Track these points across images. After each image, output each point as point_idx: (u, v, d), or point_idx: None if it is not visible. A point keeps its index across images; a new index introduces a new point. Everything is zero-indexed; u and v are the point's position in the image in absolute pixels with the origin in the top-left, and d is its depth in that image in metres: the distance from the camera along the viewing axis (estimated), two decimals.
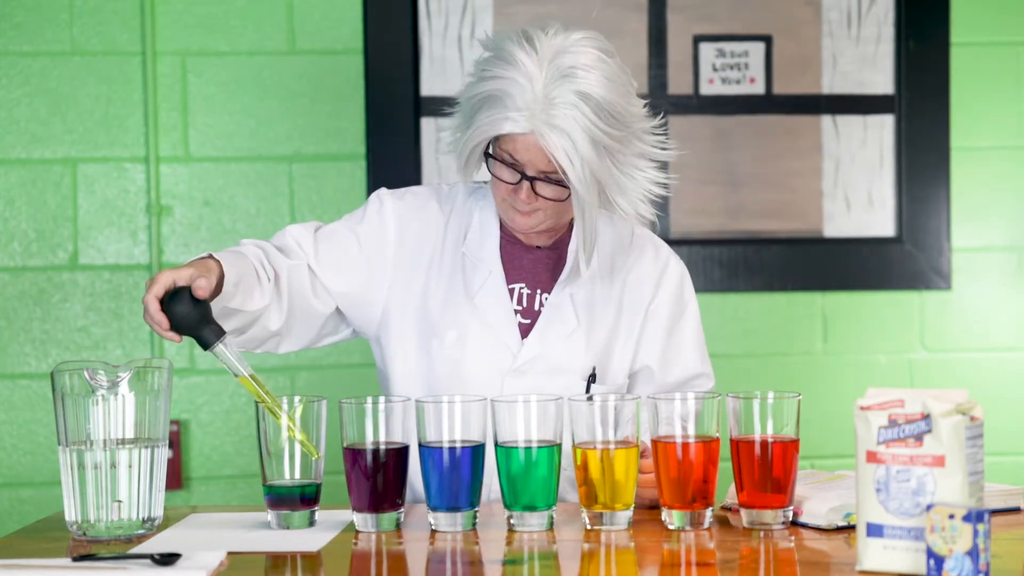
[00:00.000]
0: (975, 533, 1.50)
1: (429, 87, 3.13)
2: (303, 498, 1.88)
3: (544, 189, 2.07)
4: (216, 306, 1.98)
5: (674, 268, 2.27)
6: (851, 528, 1.82)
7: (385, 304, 2.20)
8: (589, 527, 1.86)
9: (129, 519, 1.84)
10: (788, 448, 1.84)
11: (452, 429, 1.85)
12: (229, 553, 1.73)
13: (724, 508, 1.98)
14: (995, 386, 3.22)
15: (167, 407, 1.89)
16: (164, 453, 1.88)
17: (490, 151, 2.08)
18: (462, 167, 2.13)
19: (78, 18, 3.08)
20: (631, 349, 2.22)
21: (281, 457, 1.88)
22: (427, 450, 1.86)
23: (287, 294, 2.12)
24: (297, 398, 1.88)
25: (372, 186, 3.09)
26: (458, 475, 1.85)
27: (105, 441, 1.83)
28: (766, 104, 3.19)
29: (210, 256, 1.99)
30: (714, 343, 3.18)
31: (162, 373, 1.87)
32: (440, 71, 3.12)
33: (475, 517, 1.87)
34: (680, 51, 3.18)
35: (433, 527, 1.87)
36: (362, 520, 1.87)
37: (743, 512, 1.86)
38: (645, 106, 2.11)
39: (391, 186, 2.33)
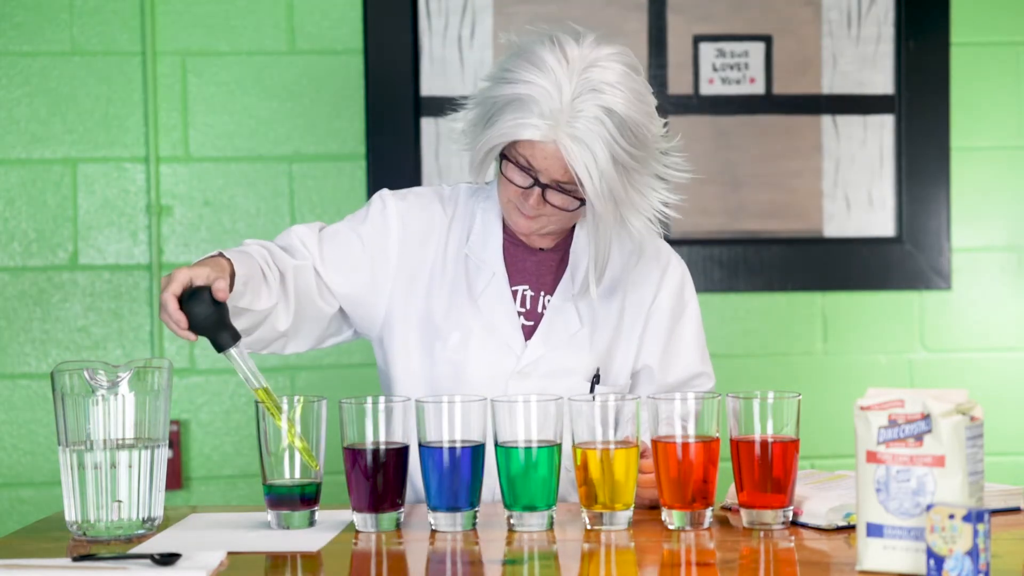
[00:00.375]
0: (975, 533, 1.50)
1: (429, 87, 3.13)
2: (303, 498, 1.88)
3: (554, 198, 2.07)
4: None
5: (675, 268, 2.27)
6: (851, 528, 1.82)
7: (388, 305, 2.19)
8: (589, 527, 1.86)
9: (129, 519, 1.84)
10: (788, 448, 1.84)
11: (452, 429, 1.85)
12: (229, 553, 1.73)
13: (724, 508, 1.98)
14: (995, 386, 3.22)
15: (167, 407, 1.89)
16: (164, 453, 1.88)
17: (505, 153, 2.08)
18: (475, 165, 2.12)
19: (78, 18, 3.08)
20: (633, 349, 2.22)
21: (281, 457, 1.88)
22: (427, 450, 1.86)
23: (294, 294, 2.12)
24: (297, 398, 1.88)
25: (372, 186, 3.09)
26: (458, 475, 1.85)
27: (105, 441, 1.83)
28: (766, 104, 3.19)
29: (220, 254, 1.99)
30: (714, 343, 3.18)
31: (162, 373, 1.87)
32: (440, 71, 3.12)
33: (475, 517, 1.87)
34: (680, 51, 3.18)
35: (433, 527, 1.87)
36: (362, 520, 1.87)
37: (743, 512, 1.86)
38: (665, 125, 2.11)
39: (391, 186, 2.33)
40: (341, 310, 2.20)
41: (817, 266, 3.20)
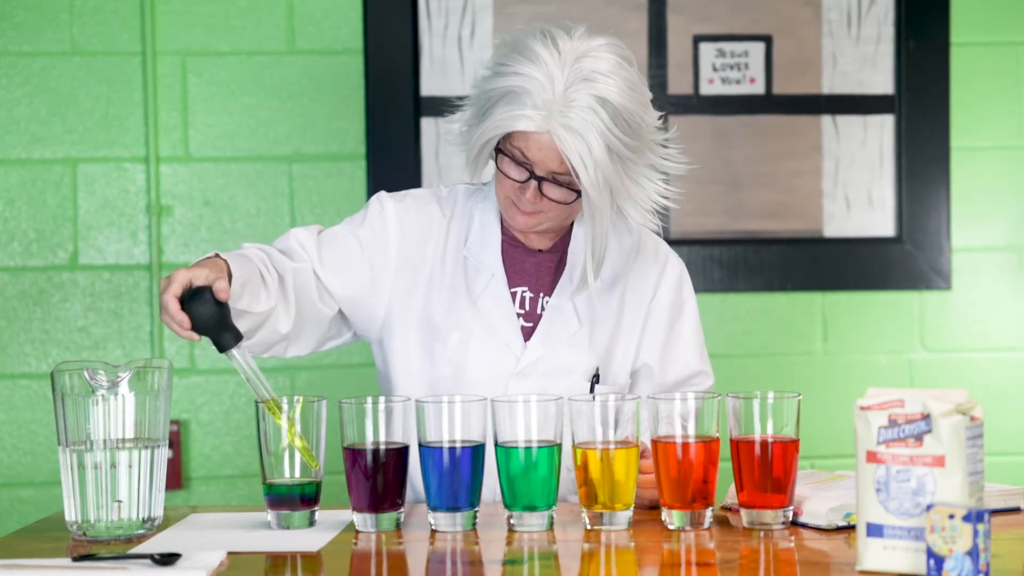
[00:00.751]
0: (975, 533, 1.50)
1: (429, 87, 3.13)
2: (303, 498, 1.88)
3: (551, 191, 2.07)
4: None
5: (673, 266, 2.27)
6: (851, 528, 1.82)
7: (387, 307, 2.19)
8: (589, 527, 1.86)
9: (129, 519, 1.84)
10: (788, 448, 1.84)
11: (452, 429, 1.85)
12: (229, 553, 1.73)
13: (724, 508, 1.98)
14: (995, 386, 3.22)
15: (167, 407, 1.89)
16: (164, 453, 1.88)
17: (501, 147, 2.08)
18: (471, 161, 2.12)
19: (78, 18, 3.08)
20: (633, 348, 2.22)
21: (281, 457, 1.88)
22: (427, 450, 1.86)
23: (294, 297, 2.11)
24: (297, 398, 1.88)
25: (372, 186, 3.09)
26: (458, 475, 1.85)
27: (105, 441, 1.83)
28: (766, 104, 3.19)
29: (216, 256, 1.99)
30: (714, 343, 3.18)
31: (162, 373, 1.87)
32: (440, 71, 3.12)
33: (475, 517, 1.87)
34: (680, 51, 3.18)
35: (433, 527, 1.87)
36: (362, 520, 1.87)
37: (743, 512, 1.86)
38: (661, 118, 2.11)
39: (391, 186, 2.33)
40: (340, 312, 2.20)
41: (817, 266, 3.20)
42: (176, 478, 3.06)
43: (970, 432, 1.58)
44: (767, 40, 3.19)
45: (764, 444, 1.84)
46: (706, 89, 3.19)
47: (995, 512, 1.91)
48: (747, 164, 3.19)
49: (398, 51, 3.11)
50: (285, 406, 1.87)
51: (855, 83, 3.20)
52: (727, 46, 3.19)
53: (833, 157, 3.20)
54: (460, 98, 2.19)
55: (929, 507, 1.53)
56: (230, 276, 1.96)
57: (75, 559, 1.68)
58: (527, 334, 2.18)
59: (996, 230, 3.23)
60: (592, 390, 2.18)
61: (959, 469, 1.57)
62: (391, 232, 2.20)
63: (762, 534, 1.82)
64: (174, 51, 3.09)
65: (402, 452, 1.87)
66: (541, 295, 2.20)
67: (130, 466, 1.84)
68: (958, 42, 3.21)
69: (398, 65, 3.11)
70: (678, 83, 3.18)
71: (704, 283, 3.17)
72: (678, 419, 1.86)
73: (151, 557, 1.66)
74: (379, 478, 1.86)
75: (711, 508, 1.87)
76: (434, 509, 1.87)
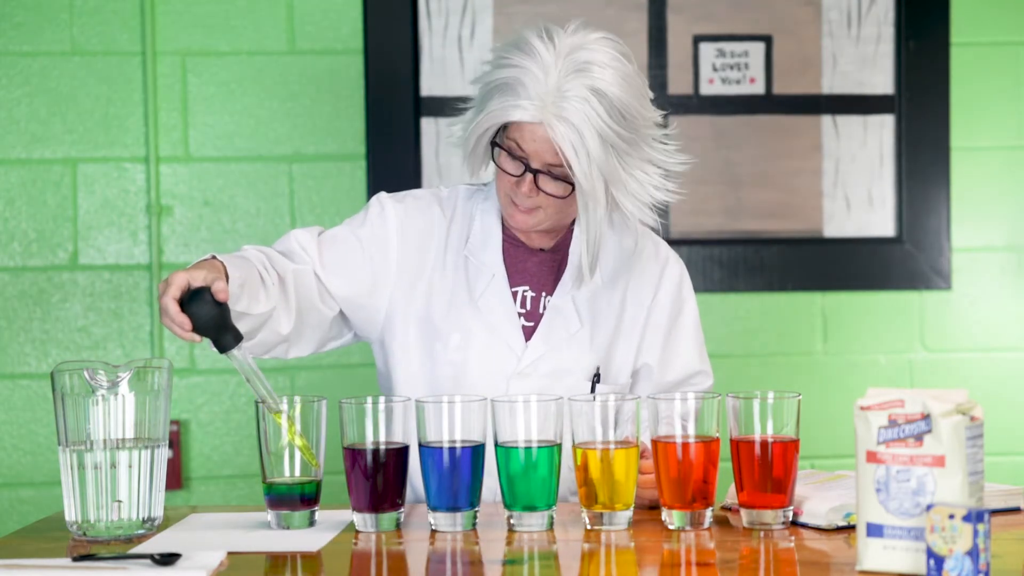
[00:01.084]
0: (975, 533, 1.50)
1: (429, 87, 3.13)
2: (303, 498, 1.88)
3: (547, 184, 2.07)
4: None
5: (673, 266, 2.27)
6: (851, 528, 1.82)
7: (388, 307, 2.19)
8: (589, 527, 1.86)
9: (129, 519, 1.84)
10: (788, 448, 1.84)
11: (452, 429, 1.85)
12: (229, 553, 1.73)
13: (724, 508, 1.98)
14: (995, 386, 3.22)
15: (167, 407, 1.89)
16: (164, 453, 1.88)
17: (498, 141, 2.08)
18: (468, 155, 2.13)
19: (78, 18, 3.08)
20: (634, 348, 2.22)
21: (281, 456, 1.88)
22: (427, 450, 1.86)
23: (294, 297, 2.11)
24: (297, 398, 1.88)
25: (372, 186, 3.09)
26: (458, 475, 1.85)
27: (105, 441, 1.83)
28: (766, 104, 3.19)
29: (213, 257, 1.99)
30: (714, 343, 3.18)
31: (162, 373, 1.87)
32: (440, 71, 3.12)
33: (475, 517, 1.87)
34: (680, 51, 3.18)
35: (433, 527, 1.87)
36: (362, 520, 1.87)
37: (743, 512, 1.86)
38: (664, 116, 2.11)
39: (391, 186, 2.33)
40: (341, 313, 2.20)
41: (817, 266, 3.20)
42: (176, 478, 3.06)
43: (970, 432, 1.58)
44: (767, 40, 3.19)
45: (764, 444, 1.84)
46: (706, 89, 3.19)
47: (995, 512, 1.91)
48: (747, 164, 3.19)
49: (398, 51, 3.11)
50: (285, 406, 1.87)
51: (855, 83, 3.20)
52: (727, 46, 3.19)
53: (833, 157, 3.20)
54: (461, 99, 2.20)
55: (929, 507, 1.53)
56: (227, 277, 1.96)
57: (75, 559, 1.68)
58: (528, 333, 2.18)
59: (996, 230, 3.23)
60: (593, 390, 2.18)
61: (959, 469, 1.57)
62: (392, 233, 2.20)
63: (762, 534, 1.82)
64: (174, 51, 3.09)
65: (402, 452, 1.87)
66: (543, 294, 2.20)
67: (130, 466, 1.84)
68: (958, 42, 3.21)
69: (398, 65, 3.11)
70: (678, 83, 3.18)
71: (704, 283, 3.17)
72: (678, 419, 1.86)
73: (151, 557, 1.66)
74: (379, 478, 1.86)
75: (711, 508, 1.87)
76: (434, 509, 1.87)
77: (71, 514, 1.85)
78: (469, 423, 1.86)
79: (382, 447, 1.86)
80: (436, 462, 1.85)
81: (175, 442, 3.08)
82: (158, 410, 1.87)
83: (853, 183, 3.20)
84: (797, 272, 3.20)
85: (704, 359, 2.29)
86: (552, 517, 1.87)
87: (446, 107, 3.03)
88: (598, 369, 2.19)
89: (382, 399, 1.87)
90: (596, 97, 2.01)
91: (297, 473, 1.88)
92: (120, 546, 1.79)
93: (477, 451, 1.86)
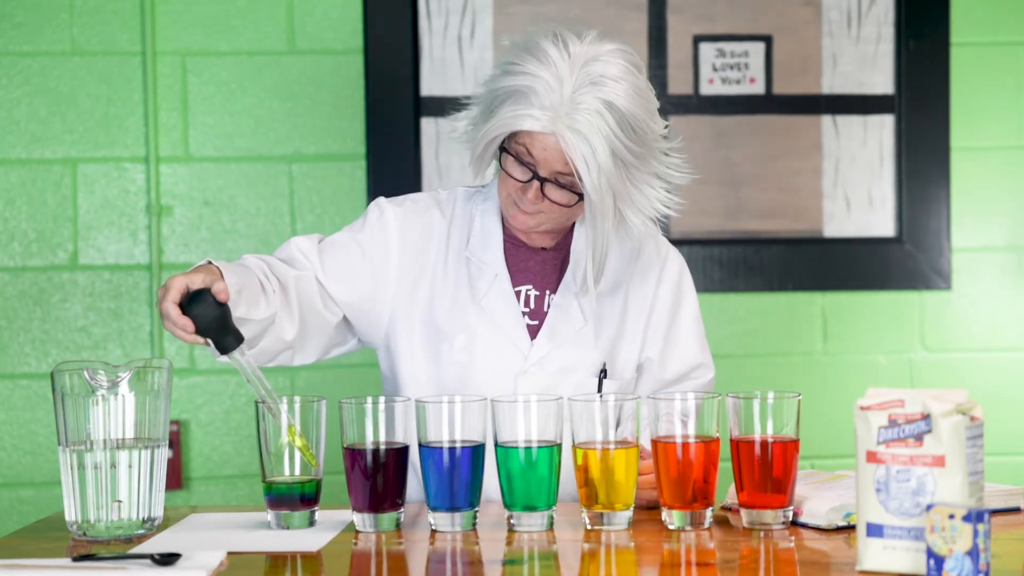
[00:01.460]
0: (975, 533, 1.50)
1: (429, 87, 3.13)
2: (303, 497, 1.88)
3: (553, 192, 2.07)
4: None
5: (673, 261, 2.28)
6: (851, 528, 1.82)
7: (391, 311, 2.20)
8: (589, 527, 1.86)
9: (129, 519, 1.84)
10: (788, 448, 1.84)
11: (452, 429, 1.85)
12: (229, 553, 1.73)
13: (724, 508, 1.98)
14: (995, 386, 3.22)
15: (167, 407, 1.89)
16: (164, 453, 1.88)
17: (505, 146, 2.08)
18: (475, 159, 2.12)
19: (78, 18, 3.08)
20: (638, 342, 2.23)
21: (281, 456, 1.88)
22: (427, 450, 1.86)
23: (297, 304, 2.11)
24: (297, 398, 1.88)
25: (372, 186, 3.09)
26: (458, 475, 1.85)
27: (105, 441, 1.83)
28: (766, 104, 3.19)
29: (209, 263, 1.99)
30: (714, 343, 3.17)
31: (162, 373, 1.87)
32: (440, 71, 3.12)
33: (475, 517, 1.87)
34: (680, 51, 3.18)
35: (433, 527, 1.87)
36: (362, 520, 1.87)
37: (743, 512, 1.86)
38: (666, 127, 2.11)
39: (391, 186, 2.34)
40: (345, 319, 2.20)
41: (817, 266, 3.20)
42: (176, 478, 3.06)
43: (970, 432, 1.58)
44: (767, 40, 3.19)
45: (764, 444, 1.84)
46: (706, 89, 3.19)
47: (995, 512, 1.91)
48: (747, 164, 3.19)
49: (398, 51, 3.11)
50: (285, 406, 1.87)
51: (855, 83, 3.20)
52: (727, 46, 3.19)
53: (833, 157, 3.20)
54: (462, 98, 2.19)
55: (929, 507, 1.53)
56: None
57: (75, 559, 1.68)
58: (533, 332, 2.18)
59: (996, 230, 3.23)
60: (600, 385, 2.18)
61: (959, 469, 1.57)
62: (392, 237, 2.20)
63: (762, 534, 1.82)
64: (174, 51, 3.09)
65: (402, 452, 1.87)
66: (547, 293, 2.20)
67: (130, 466, 1.84)
68: (958, 42, 3.21)
69: (398, 65, 3.11)
70: (678, 83, 3.18)
71: (704, 283, 3.17)
72: (678, 419, 1.86)
73: (151, 557, 1.66)
74: (379, 478, 1.86)
75: (711, 508, 1.87)
76: (434, 509, 1.87)
77: (71, 514, 1.85)
78: (469, 423, 1.86)
79: (382, 447, 1.86)
80: (436, 462, 1.85)
81: (175, 442, 3.08)
82: (158, 410, 1.87)
83: (853, 183, 3.20)
84: (797, 272, 3.20)
85: (705, 351, 2.30)
86: (552, 517, 1.87)
87: (446, 107, 3.03)
88: (604, 365, 2.19)
89: (382, 399, 1.87)
90: (609, 110, 2.01)
91: (297, 472, 1.88)
92: (120, 546, 1.79)
93: (477, 451, 1.86)
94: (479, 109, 2.11)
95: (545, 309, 2.20)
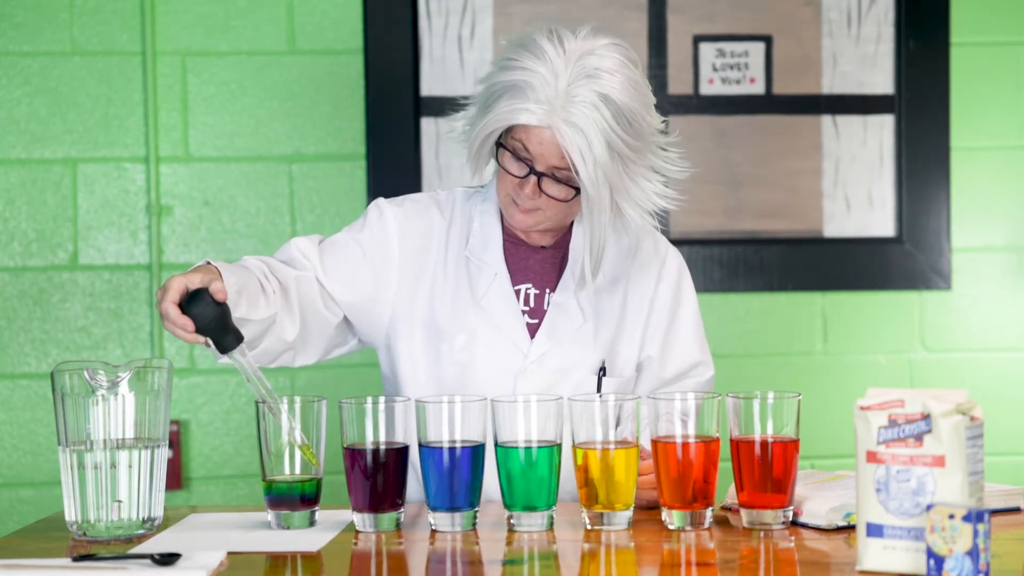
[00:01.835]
0: (975, 533, 1.50)
1: (429, 87, 3.13)
2: (303, 497, 1.88)
3: (550, 187, 2.08)
4: None
5: (673, 259, 2.29)
6: (851, 528, 1.82)
7: (392, 311, 2.20)
8: (589, 527, 1.86)
9: (129, 519, 1.84)
10: (788, 448, 1.84)
11: (452, 429, 1.85)
12: (229, 553, 1.73)
13: (724, 508, 1.98)
14: (995, 386, 3.22)
15: (167, 407, 1.89)
16: (164, 453, 1.88)
17: (502, 142, 2.08)
18: (472, 156, 2.13)
19: (78, 18, 3.08)
20: (637, 341, 2.23)
21: (281, 456, 1.88)
22: (427, 450, 1.86)
23: (298, 304, 2.12)
24: (297, 398, 1.88)
25: (372, 186, 3.08)
26: (458, 475, 1.85)
27: (105, 441, 1.83)
28: (766, 104, 3.19)
29: (208, 263, 1.99)
30: (714, 343, 3.17)
31: (162, 373, 1.87)
32: (440, 71, 3.12)
33: (475, 517, 1.87)
34: (680, 51, 3.18)
35: (433, 527, 1.87)
36: (362, 520, 1.87)
37: (743, 512, 1.86)
38: (663, 122, 2.11)
39: (391, 186, 2.34)
40: (345, 319, 2.20)
41: (817, 266, 3.20)
42: (176, 478, 3.06)
43: (970, 432, 1.58)
44: (767, 40, 3.19)
45: (764, 444, 1.84)
46: (706, 89, 3.19)
47: (995, 512, 1.91)
48: (747, 164, 3.19)
49: (398, 51, 3.11)
50: (285, 406, 1.87)
51: (855, 83, 3.20)
52: (727, 46, 3.19)
53: (833, 157, 3.20)
54: (461, 98, 2.20)
55: (929, 507, 1.53)
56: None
57: (75, 559, 1.68)
58: (533, 331, 2.19)
59: (996, 230, 3.23)
60: (599, 384, 2.18)
61: (959, 469, 1.57)
62: (392, 237, 2.20)
63: (762, 534, 1.82)
64: (174, 51, 3.09)
65: (402, 452, 1.87)
66: (547, 291, 2.20)
67: (130, 466, 1.84)
68: (958, 42, 3.21)
69: (398, 65, 3.11)
70: (678, 83, 3.18)
71: (704, 283, 3.17)
72: (678, 419, 1.86)
73: (151, 557, 1.66)
74: (379, 478, 1.86)
75: (711, 508, 1.87)
76: (434, 509, 1.87)
77: (71, 514, 1.85)
78: (469, 423, 1.86)
79: (382, 447, 1.86)
80: (436, 462, 1.85)
81: (175, 442, 3.08)
82: (158, 410, 1.87)
83: (853, 183, 3.20)
84: (797, 272, 3.20)
85: (704, 350, 2.30)
86: (552, 517, 1.87)
87: (446, 107, 3.03)
88: (603, 363, 2.19)
89: (382, 399, 1.87)
90: (604, 103, 2.01)
91: (297, 471, 1.88)
92: (120, 546, 1.79)
93: (477, 451, 1.86)
94: (476, 107, 2.12)
95: (544, 308, 2.20)
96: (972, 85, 3.21)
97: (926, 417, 1.58)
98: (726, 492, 1.97)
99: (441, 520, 1.86)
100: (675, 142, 2.13)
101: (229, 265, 2.02)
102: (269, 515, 1.89)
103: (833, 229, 3.21)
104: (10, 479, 3.08)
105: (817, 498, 1.86)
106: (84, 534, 1.84)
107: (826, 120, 3.20)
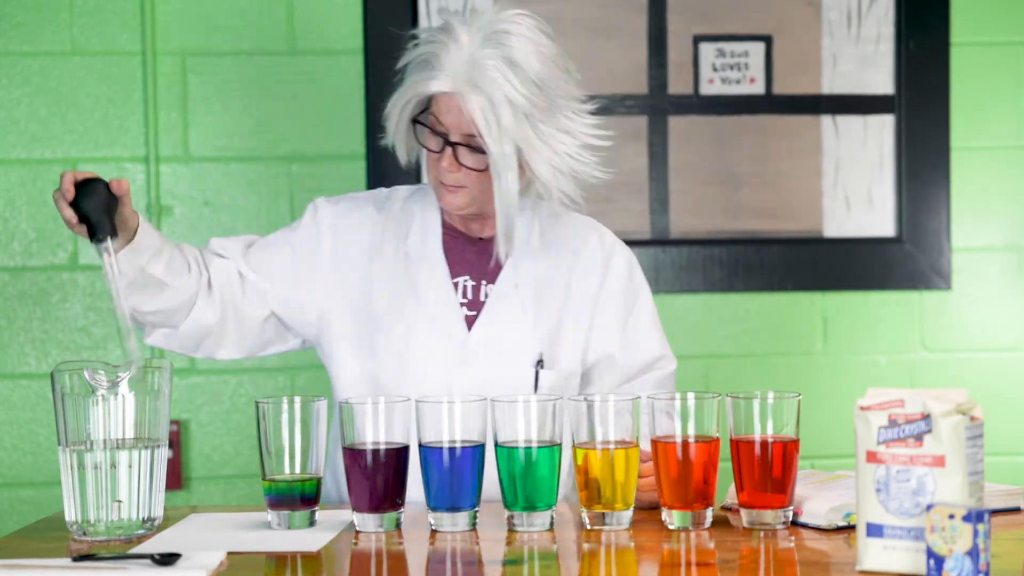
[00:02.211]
0: (975, 533, 1.50)
1: None
2: (303, 497, 1.88)
3: (466, 157, 2.10)
4: (143, 273, 2.07)
5: (620, 254, 2.29)
6: (851, 528, 1.82)
7: (322, 309, 2.22)
8: (589, 527, 1.86)
9: (129, 519, 1.84)
10: (788, 448, 1.84)
11: (452, 429, 1.85)
12: (229, 553, 1.73)
13: (724, 508, 1.98)
14: (995, 386, 3.22)
15: (167, 407, 1.89)
16: (164, 453, 1.88)
17: (420, 119, 2.13)
18: (392, 135, 2.18)
19: (78, 18, 3.08)
20: (582, 338, 2.23)
21: (282, 456, 1.88)
22: (427, 450, 1.86)
23: (218, 290, 2.19)
24: (297, 399, 1.88)
25: (372, 186, 3.08)
26: (458, 475, 1.85)
27: (105, 441, 1.84)
28: (766, 104, 3.19)
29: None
30: (714, 343, 3.19)
31: (162, 373, 1.88)
32: None
33: (475, 517, 1.87)
34: (680, 51, 3.18)
35: (433, 527, 1.87)
36: (362, 520, 1.87)
37: (743, 512, 1.86)
38: (590, 100, 2.14)
39: (390, 186, 2.35)
40: (277, 316, 2.23)
41: (817, 266, 3.20)
42: (176, 478, 3.06)
43: (970, 432, 1.58)
44: (767, 40, 3.19)
45: (764, 444, 1.84)
46: (706, 89, 3.19)
47: (995, 512, 1.91)
48: (747, 164, 3.19)
49: (398, 51, 3.11)
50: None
51: (855, 83, 3.20)
52: (727, 46, 3.18)
53: (833, 157, 3.20)
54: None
55: (929, 507, 1.53)
56: (135, 230, 2.06)
57: (75, 559, 1.68)
58: (470, 322, 2.19)
59: (996, 230, 3.23)
60: (537, 376, 2.18)
61: (959, 469, 1.57)
62: (325, 234, 2.24)
63: (762, 534, 1.82)
64: (174, 51, 3.09)
65: (402, 452, 1.87)
66: (483, 283, 2.21)
67: (130, 466, 1.84)
68: (958, 42, 3.20)
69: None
70: (678, 83, 3.18)
71: (704, 283, 3.17)
72: (678, 419, 1.86)
73: (151, 557, 1.66)
74: (379, 478, 1.86)
75: (711, 508, 1.87)
76: (434, 509, 1.87)
77: (71, 514, 1.85)
78: (469, 423, 1.86)
79: (382, 447, 1.86)
80: (436, 462, 1.85)
81: (175, 442, 3.08)
82: (158, 410, 1.87)
83: (853, 183, 3.20)
84: (797, 272, 3.20)
85: (664, 343, 2.31)
86: (552, 517, 1.87)
87: None
88: (541, 355, 2.19)
89: (382, 399, 1.87)
90: (508, 66, 2.06)
91: (298, 470, 1.88)
92: (120, 546, 1.79)
93: (477, 451, 1.86)
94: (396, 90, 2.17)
95: (482, 300, 2.21)
96: (972, 85, 3.21)
97: (926, 417, 1.58)
98: (726, 492, 1.97)
99: (441, 520, 1.86)
100: (593, 111, 2.14)
101: (160, 233, 2.12)
102: (269, 515, 1.89)
103: (833, 229, 3.21)
104: (10, 479, 3.08)
105: (817, 498, 1.86)
106: (84, 534, 1.84)
107: (826, 120, 3.20)
